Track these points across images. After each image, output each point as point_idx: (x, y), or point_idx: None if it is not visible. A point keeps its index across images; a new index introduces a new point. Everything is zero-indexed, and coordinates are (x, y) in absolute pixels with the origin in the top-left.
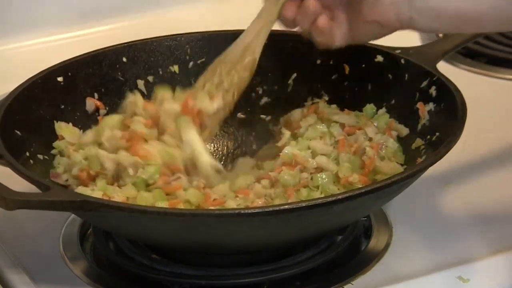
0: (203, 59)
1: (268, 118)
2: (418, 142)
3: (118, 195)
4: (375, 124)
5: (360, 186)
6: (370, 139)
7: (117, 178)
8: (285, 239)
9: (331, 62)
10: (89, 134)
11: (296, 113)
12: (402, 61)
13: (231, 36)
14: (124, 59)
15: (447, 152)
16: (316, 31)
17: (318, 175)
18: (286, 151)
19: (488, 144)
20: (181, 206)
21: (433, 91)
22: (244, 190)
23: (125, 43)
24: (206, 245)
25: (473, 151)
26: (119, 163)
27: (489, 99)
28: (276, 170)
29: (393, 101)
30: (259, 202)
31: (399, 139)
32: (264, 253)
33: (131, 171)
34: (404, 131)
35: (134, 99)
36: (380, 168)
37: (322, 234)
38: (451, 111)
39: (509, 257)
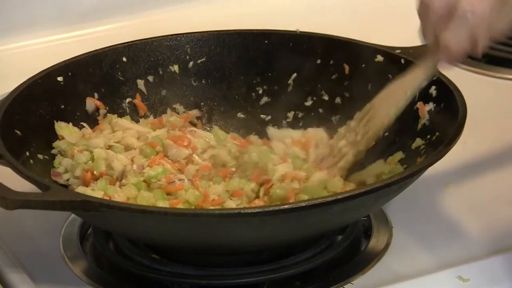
0: (203, 59)
1: (268, 118)
2: (418, 142)
3: (118, 195)
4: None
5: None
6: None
7: (120, 178)
8: (285, 239)
9: (331, 62)
10: (100, 138)
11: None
12: (402, 61)
13: (230, 36)
14: (124, 59)
15: (447, 152)
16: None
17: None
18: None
19: (488, 144)
20: (181, 206)
21: (433, 91)
22: (238, 191)
23: (125, 43)
24: (206, 245)
25: (473, 151)
26: (128, 163)
27: (489, 99)
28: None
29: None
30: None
31: (399, 138)
32: (264, 253)
33: (135, 167)
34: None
35: None
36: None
37: (322, 234)
38: (451, 111)
39: (509, 257)
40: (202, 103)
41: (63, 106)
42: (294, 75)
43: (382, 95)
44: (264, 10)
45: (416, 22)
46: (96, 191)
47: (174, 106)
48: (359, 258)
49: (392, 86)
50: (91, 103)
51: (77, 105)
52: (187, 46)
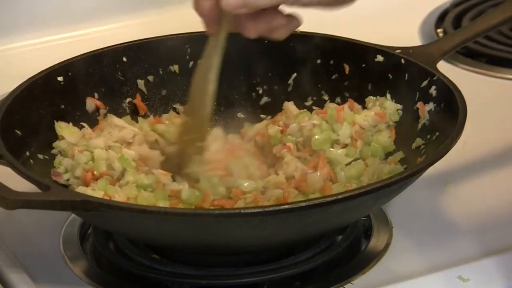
0: None
1: (268, 118)
2: (418, 142)
3: (119, 195)
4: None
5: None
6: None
7: (121, 178)
8: (285, 239)
9: (331, 62)
10: (100, 138)
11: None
12: (402, 61)
13: (230, 36)
14: (124, 59)
15: (447, 152)
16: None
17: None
18: None
19: (488, 144)
20: (181, 206)
21: (433, 91)
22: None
23: (125, 43)
24: (206, 245)
25: (473, 151)
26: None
27: (489, 99)
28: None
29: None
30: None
31: (399, 137)
32: (264, 253)
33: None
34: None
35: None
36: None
37: (322, 234)
38: (451, 111)
39: (509, 257)
40: None
41: (63, 106)
42: (294, 75)
43: (193, 86)
44: None
45: (416, 22)
46: (96, 191)
47: (174, 106)
48: (359, 258)
49: (196, 76)
50: (91, 103)
51: (77, 105)
52: (187, 46)
